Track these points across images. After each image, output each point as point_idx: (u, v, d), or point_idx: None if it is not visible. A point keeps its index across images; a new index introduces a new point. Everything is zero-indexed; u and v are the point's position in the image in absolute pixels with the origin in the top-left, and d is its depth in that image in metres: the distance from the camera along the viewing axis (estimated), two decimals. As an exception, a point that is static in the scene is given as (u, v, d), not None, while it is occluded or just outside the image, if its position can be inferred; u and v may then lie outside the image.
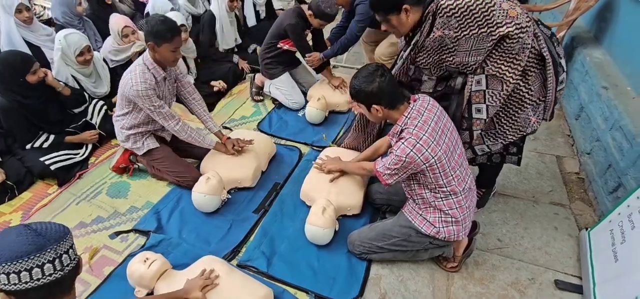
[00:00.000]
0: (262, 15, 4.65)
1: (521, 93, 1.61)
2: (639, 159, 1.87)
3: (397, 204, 1.94)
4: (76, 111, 2.58)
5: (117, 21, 2.89)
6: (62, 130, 2.48)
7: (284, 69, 3.12)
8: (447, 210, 1.59)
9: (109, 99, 2.83)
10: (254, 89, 3.35)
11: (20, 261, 0.88)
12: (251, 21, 4.43)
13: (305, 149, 2.69)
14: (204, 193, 2.03)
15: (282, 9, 5.02)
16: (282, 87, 3.11)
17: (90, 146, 2.59)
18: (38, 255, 0.89)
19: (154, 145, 2.25)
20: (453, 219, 1.60)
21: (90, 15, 3.46)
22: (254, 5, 4.48)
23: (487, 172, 2.07)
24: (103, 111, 2.71)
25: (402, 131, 1.54)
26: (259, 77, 3.30)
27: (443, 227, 1.62)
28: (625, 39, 2.51)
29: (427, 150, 1.46)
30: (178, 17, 2.93)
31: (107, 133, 2.69)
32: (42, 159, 2.31)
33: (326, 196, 2.01)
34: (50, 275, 0.91)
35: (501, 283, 1.77)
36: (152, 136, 2.28)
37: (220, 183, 2.10)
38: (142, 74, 1.96)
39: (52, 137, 2.41)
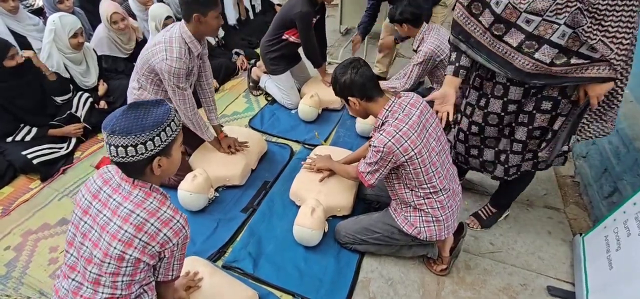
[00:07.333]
0: (258, 8, 4.58)
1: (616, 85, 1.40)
2: (636, 164, 1.83)
3: (386, 201, 1.90)
4: (59, 100, 2.49)
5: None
6: (45, 122, 2.40)
7: (287, 66, 2.96)
8: (428, 210, 1.56)
9: (95, 91, 2.76)
10: (251, 84, 3.27)
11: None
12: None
13: (296, 147, 2.63)
14: (190, 191, 1.97)
15: (280, 5, 4.93)
16: (281, 86, 2.99)
17: (74, 140, 2.51)
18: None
19: None
20: (433, 218, 1.57)
21: (81, 7, 3.38)
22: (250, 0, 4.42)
23: (507, 191, 1.93)
24: (88, 103, 2.63)
25: (383, 123, 1.51)
26: (255, 70, 3.23)
27: (424, 227, 1.59)
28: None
29: (406, 141, 1.42)
30: (164, 9, 2.85)
31: (92, 126, 2.61)
32: (24, 152, 2.24)
33: (316, 196, 1.96)
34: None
35: (493, 288, 1.73)
36: None
37: (207, 181, 2.04)
38: (179, 49, 1.84)
39: (34, 130, 2.33)
